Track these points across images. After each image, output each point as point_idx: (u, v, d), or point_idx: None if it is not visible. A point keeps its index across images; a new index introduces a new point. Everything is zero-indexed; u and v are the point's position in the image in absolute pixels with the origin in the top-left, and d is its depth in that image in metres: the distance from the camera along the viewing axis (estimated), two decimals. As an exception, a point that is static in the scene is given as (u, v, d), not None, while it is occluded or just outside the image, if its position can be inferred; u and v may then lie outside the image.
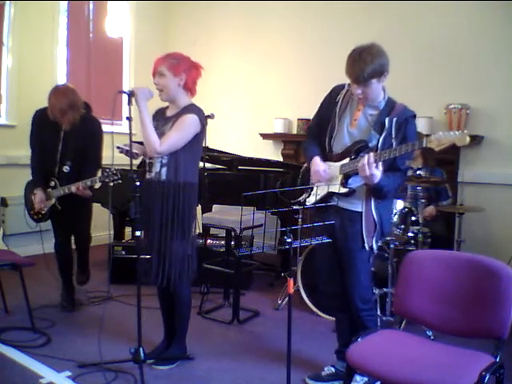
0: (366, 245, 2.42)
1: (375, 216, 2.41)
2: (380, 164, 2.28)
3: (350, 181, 2.43)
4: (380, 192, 2.36)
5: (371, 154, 2.28)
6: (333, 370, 2.67)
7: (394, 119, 2.35)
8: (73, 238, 3.78)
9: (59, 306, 3.61)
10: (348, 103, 2.51)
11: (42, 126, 3.48)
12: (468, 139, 2.05)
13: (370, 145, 2.38)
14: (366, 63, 2.27)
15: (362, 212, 2.44)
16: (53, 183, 3.47)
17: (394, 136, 2.33)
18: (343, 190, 2.45)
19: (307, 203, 2.62)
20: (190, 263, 2.71)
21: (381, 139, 2.36)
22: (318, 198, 2.55)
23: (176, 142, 2.58)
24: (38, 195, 3.44)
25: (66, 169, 3.46)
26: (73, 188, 3.30)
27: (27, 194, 3.63)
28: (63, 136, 3.44)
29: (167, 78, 2.61)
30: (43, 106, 3.82)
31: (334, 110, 2.53)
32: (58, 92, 3.43)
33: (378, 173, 2.27)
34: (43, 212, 3.53)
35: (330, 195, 2.51)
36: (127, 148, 2.59)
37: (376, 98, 2.40)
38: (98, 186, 3.50)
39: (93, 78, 5.59)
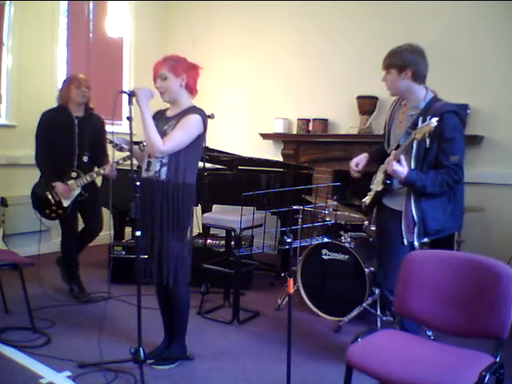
0: (404, 240, 2.55)
1: (414, 213, 2.51)
2: (403, 160, 2.43)
3: (394, 180, 2.58)
4: (413, 187, 2.48)
5: (393, 152, 2.49)
6: None
7: (428, 117, 2.41)
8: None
9: (75, 299, 3.73)
10: (397, 109, 2.72)
11: (54, 125, 3.63)
12: (432, 125, 2.26)
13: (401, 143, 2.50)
14: (392, 54, 2.55)
15: (402, 210, 2.57)
16: (75, 174, 3.65)
17: (427, 134, 2.40)
18: (380, 188, 2.65)
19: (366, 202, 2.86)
20: (186, 264, 2.71)
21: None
22: (371, 197, 2.78)
23: (180, 142, 2.59)
24: (59, 186, 3.59)
25: (85, 159, 3.70)
26: (102, 171, 3.57)
27: (40, 194, 3.65)
28: (78, 130, 3.65)
29: (169, 79, 2.63)
30: (43, 105, 3.83)
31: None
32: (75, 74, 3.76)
33: (400, 168, 2.42)
34: (65, 205, 3.64)
35: (377, 194, 2.71)
36: (117, 141, 2.66)
37: (394, 90, 2.61)
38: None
39: (93, 78, 5.56)
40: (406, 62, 2.52)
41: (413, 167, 2.51)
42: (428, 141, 2.43)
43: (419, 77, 2.54)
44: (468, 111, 4.28)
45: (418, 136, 2.31)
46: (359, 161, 2.81)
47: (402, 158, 2.44)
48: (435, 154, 2.47)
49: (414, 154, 2.51)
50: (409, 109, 2.61)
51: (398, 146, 2.53)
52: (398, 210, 2.60)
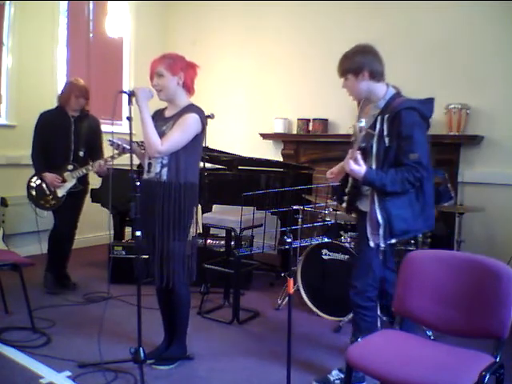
0: (370, 242, 2.47)
1: (378, 214, 2.42)
2: (360, 159, 2.36)
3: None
4: (373, 186, 2.41)
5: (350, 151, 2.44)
6: (342, 375, 2.60)
7: (386, 116, 2.39)
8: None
9: (44, 287, 3.86)
10: (362, 111, 2.67)
11: (51, 124, 3.80)
12: (358, 126, 2.28)
13: (362, 145, 2.46)
14: (344, 59, 2.52)
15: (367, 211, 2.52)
16: (71, 167, 3.81)
17: (386, 133, 2.39)
18: (347, 190, 2.64)
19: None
20: (189, 264, 2.71)
21: (375, 138, 2.43)
22: (346, 201, 2.71)
23: (177, 142, 2.58)
24: (48, 176, 3.76)
25: (81, 153, 3.87)
26: (90, 167, 3.74)
27: (35, 184, 3.82)
28: (74, 128, 3.81)
29: (166, 77, 2.62)
30: (43, 105, 3.84)
31: None
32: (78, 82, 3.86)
33: (356, 167, 2.37)
34: (60, 195, 3.78)
35: (350, 198, 2.68)
36: (119, 142, 2.66)
37: (356, 94, 2.55)
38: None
39: (93, 78, 5.58)
40: (359, 64, 2.46)
41: (374, 167, 2.43)
42: (387, 140, 2.39)
43: (376, 75, 2.48)
44: (468, 111, 4.30)
45: (358, 136, 2.33)
46: (333, 170, 2.77)
47: (359, 157, 2.37)
48: (395, 153, 2.40)
49: (374, 153, 2.44)
50: (371, 109, 2.56)
51: (359, 148, 2.47)
52: (365, 210, 2.54)
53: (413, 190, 2.43)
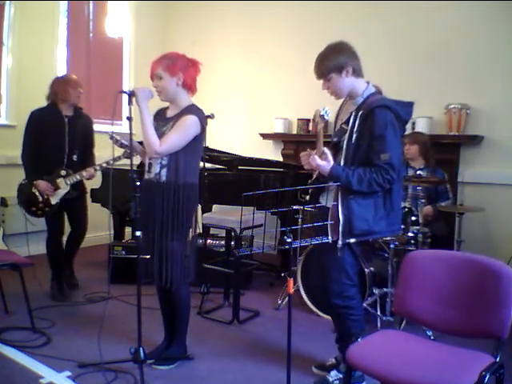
0: (329, 237, 2.41)
1: (340, 211, 2.39)
2: (328, 154, 2.35)
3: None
4: (338, 181, 2.37)
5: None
6: (340, 375, 2.59)
7: (360, 113, 2.37)
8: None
9: (51, 297, 3.75)
10: (342, 109, 2.64)
11: (44, 123, 3.65)
12: (318, 111, 2.34)
13: (335, 139, 2.49)
14: (322, 60, 2.46)
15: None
16: (64, 172, 3.66)
17: (355, 130, 2.37)
18: (312, 180, 2.59)
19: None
20: (188, 264, 2.71)
21: (346, 134, 2.41)
22: (310, 195, 2.70)
23: (175, 143, 2.58)
24: (41, 184, 3.61)
25: (75, 157, 3.72)
26: (84, 173, 3.63)
27: (26, 192, 3.71)
28: (68, 129, 3.67)
29: (165, 79, 2.61)
30: (43, 105, 3.83)
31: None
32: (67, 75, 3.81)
33: (323, 163, 2.35)
34: (53, 203, 3.66)
35: (313, 192, 2.67)
36: (117, 137, 2.64)
37: (340, 92, 2.49)
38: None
39: (93, 78, 5.58)
40: (341, 61, 2.41)
41: (342, 163, 2.40)
42: (355, 136, 2.36)
43: (357, 71, 2.45)
44: (468, 111, 4.30)
45: (319, 127, 2.33)
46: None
47: (328, 152, 2.36)
48: (366, 152, 2.36)
49: (344, 149, 2.41)
50: (350, 106, 2.53)
51: (334, 145, 2.48)
52: (327, 206, 2.50)
53: (381, 194, 2.39)
